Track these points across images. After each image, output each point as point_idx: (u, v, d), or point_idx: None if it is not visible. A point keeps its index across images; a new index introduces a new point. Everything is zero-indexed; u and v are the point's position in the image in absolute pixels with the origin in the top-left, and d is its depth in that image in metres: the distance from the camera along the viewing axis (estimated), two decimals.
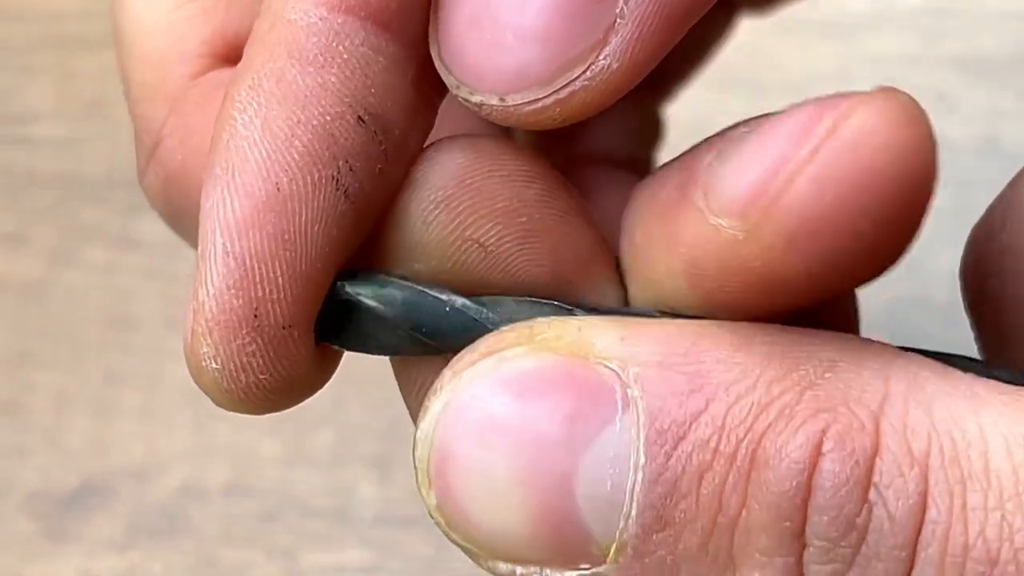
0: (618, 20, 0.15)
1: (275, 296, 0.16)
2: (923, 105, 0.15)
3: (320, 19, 0.17)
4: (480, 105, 0.16)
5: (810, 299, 0.15)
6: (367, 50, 0.17)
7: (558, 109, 0.16)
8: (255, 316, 0.16)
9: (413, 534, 0.38)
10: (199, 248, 0.17)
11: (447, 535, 0.15)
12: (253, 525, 0.39)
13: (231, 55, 0.21)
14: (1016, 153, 0.43)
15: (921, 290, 0.39)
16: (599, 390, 0.15)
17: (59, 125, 0.46)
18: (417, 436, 0.16)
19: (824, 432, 0.14)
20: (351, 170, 0.17)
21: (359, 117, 0.17)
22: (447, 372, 0.16)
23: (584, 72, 0.16)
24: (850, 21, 0.44)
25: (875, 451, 0.14)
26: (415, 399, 0.17)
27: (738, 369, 0.14)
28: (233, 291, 0.16)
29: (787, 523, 0.14)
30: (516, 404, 0.15)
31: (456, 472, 0.15)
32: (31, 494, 0.40)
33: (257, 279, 0.16)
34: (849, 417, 0.14)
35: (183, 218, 0.21)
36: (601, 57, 0.16)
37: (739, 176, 0.15)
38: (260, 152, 0.16)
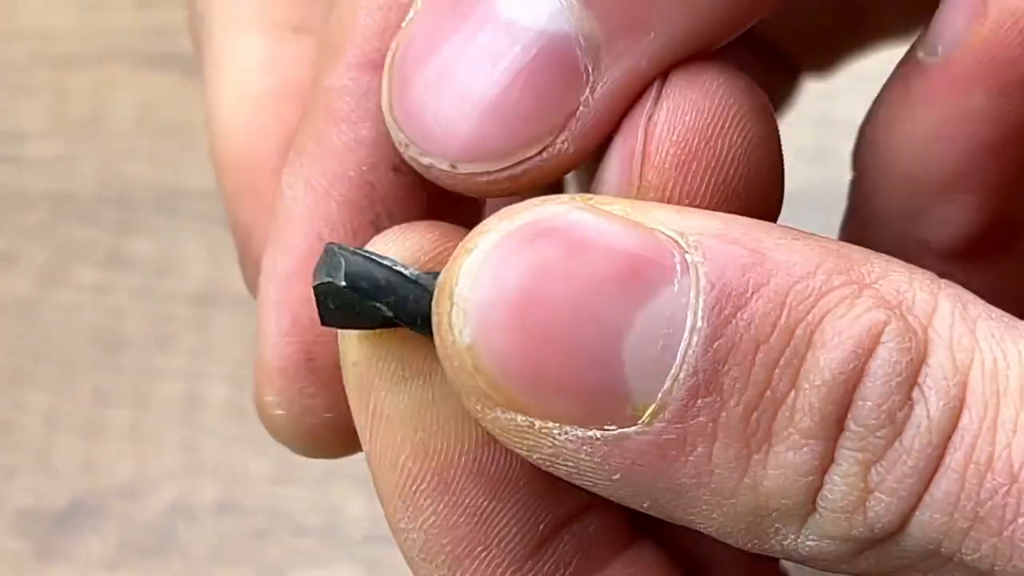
0: (581, 108, 0.16)
1: (326, 337, 0.17)
2: None
3: (350, 79, 0.17)
4: (428, 167, 0.16)
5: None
6: None
7: (508, 184, 0.16)
8: (309, 359, 0.17)
9: None
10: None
11: (460, 381, 0.15)
12: (243, 543, 0.39)
13: None
14: None
15: None
16: (658, 250, 0.14)
17: (51, 143, 0.46)
18: (462, 268, 0.14)
19: (885, 324, 0.14)
20: (390, 215, 0.17)
21: (394, 166, 0.17)
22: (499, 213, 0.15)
23: (540, 153, 0.16)
24: None
25: (925, 354, 0.14)
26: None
27: (798, 254, 0.15)
28: (287, 338, 0.17)
29: (832, 406, 0.14)
30: (578, 248, 0.14)
31: (502, 309, 0.14)
32: (21, 513, 0.40)
33: (307, 324, 0.17)
34: (904, 319, 0.14)
35: None
36: (559, 140, 0.16)
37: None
38: (303, 207, 0.17)
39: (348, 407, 0.17)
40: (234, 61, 0.21)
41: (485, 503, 0.16)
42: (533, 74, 0.16)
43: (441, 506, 0.16)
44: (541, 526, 0.16)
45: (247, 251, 0.21)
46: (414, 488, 0.16)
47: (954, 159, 0.17)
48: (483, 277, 0.14)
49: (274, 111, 0.21)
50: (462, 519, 0.16)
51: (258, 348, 0.18)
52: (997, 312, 0.15)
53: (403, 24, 0.17)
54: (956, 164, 0.17)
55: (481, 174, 0.16)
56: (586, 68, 0.15)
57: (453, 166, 0.16)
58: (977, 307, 0.15)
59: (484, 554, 0.16)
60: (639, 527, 0.18)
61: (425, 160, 0.16)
